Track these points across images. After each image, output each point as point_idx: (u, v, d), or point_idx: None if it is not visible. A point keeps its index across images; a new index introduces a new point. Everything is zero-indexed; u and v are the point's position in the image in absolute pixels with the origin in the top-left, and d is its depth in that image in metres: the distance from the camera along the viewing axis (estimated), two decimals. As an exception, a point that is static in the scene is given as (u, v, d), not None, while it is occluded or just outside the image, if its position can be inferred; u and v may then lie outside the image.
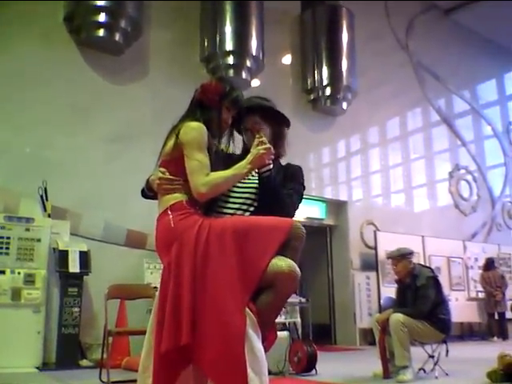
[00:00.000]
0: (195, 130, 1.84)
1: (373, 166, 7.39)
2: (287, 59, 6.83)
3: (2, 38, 4.70)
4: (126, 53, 5.24)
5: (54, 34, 4.94)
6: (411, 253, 3.91)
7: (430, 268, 4.03)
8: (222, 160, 1.96)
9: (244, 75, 5.76)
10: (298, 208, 2.05)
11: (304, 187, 2.15)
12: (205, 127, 1.86)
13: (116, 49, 5.16)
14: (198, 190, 1.80)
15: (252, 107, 2.12)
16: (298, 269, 1.74)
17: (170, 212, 1.83)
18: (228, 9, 5.70)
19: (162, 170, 1.90)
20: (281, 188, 1.98)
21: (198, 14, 5.87)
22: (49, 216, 4.49)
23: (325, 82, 6.62)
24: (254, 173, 2.04)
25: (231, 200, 2.00)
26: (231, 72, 5.70)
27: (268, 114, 2.13)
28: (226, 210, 1.97)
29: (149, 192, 1.98)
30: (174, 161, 1.87)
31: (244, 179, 2.01)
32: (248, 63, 5.75)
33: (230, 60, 5.68)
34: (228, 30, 5.67)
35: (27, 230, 4.26)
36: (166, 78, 5.51)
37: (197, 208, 1.85)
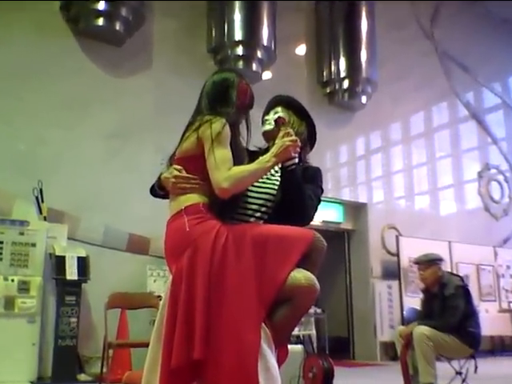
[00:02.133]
0: (218, 123, 1.84)
1: (395, 166, 7.35)
2: (301, 49, 6.81)
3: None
4: (127, 43, 5.26)
5: (50, 24, 4.97)
6: (440, 259, 3.89)
7: (459, 276, 3.99)
8: (247, 157, 1.97)
9: (254, 67, 5.75)
10: (316, 212, 2.06)
11: (322, 190, 2.16)
12: (227, 122, 1.86)
13: (116, 39, 5.19)
14: (219, 186, 1.78)
15: (278, 101, 2.20)
16: (317, 283, 1.74)
17: (185, 214, 1.81)
18: (238, -3, 5.71)
19: (178, 167, 1.90)
20: (304, 185, 1.99)
21: (204, 1, 5.89)
22: (44, 219, 4.52)
23: (342, 74, 6.59)
24: (277, 168, 2.05)
25: (247, 205, 2.00)
26: (240, 63, 5.70)
27: (292, 109, 2.18)
28: (240, 217, 1.97)
29: (160, 190, 1.98)
30: (193, 158, 1.87)
31: (262, 179, 2.03)
32: (259, 54, 5.75)
33: (240, 51, 5.68)
34: (237, 18, 5.67)
35: (21, 233, 4.28)
36: (171, 69, 5.52)
37: (213, 213, 1.82)
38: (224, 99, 1.95)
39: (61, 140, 4.84)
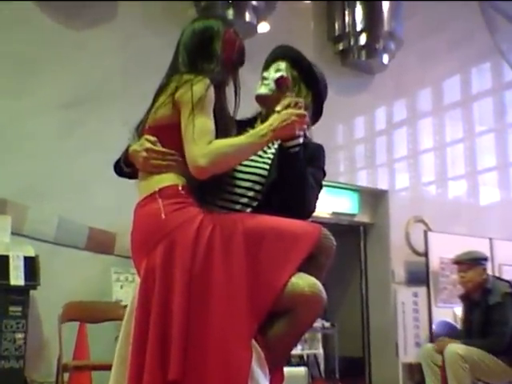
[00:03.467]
0: (199, 85, 1.82)
1: (423, 143, 7.37)
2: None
3: None
4: (86, -14, 5.22)
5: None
6: (485, 258, 3.94)
7: (508, 282, 4.03)
8: (235, 129, 1.97)
9: (248, 17, 5.72)
10: (317, 201, 2.07)
11: (324, 173, 2.16)
12: (211, 83, 1.84)
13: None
14: (195, 163, 1.76)
15: (283, 53, 2.18)
16: (323, 291, 1.74)
17: (159, 198, 1.80)
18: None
19: (151, 138, 1.89)
20: (308, 174, 1.98)
21: None
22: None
23: (359, 27, 6.56)
24: (271, 146, 2.03)
25: (231, 188, 1.99)
26: (230, 12, 5.66)
27: (300, 70, 2.15)
28: (221, 203, 1.96)
29: (126, 167, 1.98)
30: (169, 128, 1.86)
31: (254, 155, 2.01)
32: (253, 1, 5.72)
33: (230, -4, 5.65)
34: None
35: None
36: (141, 20, 5.49)
37: (195, 198, 1.83)
38: (207, 53, 1.94)
39: (2, 111, 4.81)
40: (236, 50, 1.98)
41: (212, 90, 1.84)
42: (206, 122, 1.80)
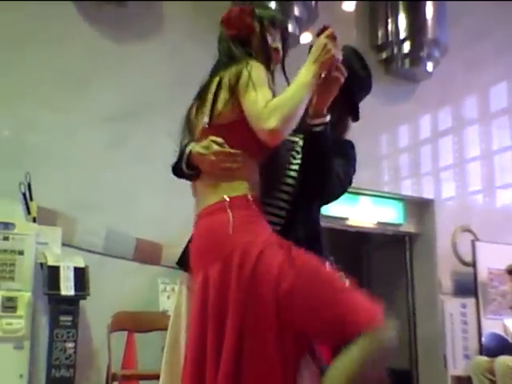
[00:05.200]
0: (254, 67, 1.84)
1: (470, 151, 7.24)
2: (350, 5, 6.76)
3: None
4: (133, 1, 5.30)
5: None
6: (539, 268, 3.83)
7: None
8: None
9: (291, 28, 5.71)
10: (342, 195, 2.06)
11: (354, 170, 2.13)
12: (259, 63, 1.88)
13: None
14: (266, 127, 1.72)
15: None
16: None
17: (229, 209, 1.78)
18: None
19: (219, 139, 1.84)
20: (333, 156, 1.93)
21: None
22: (34, 221, 4.59)
23: (402, 35, 6.51)
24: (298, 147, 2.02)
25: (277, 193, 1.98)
26: (274, 24, 5.69)
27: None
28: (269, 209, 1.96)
29: (189, 170, 1.91)
30: (232, 127, 1.85)
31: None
32: (296, 11, 5.73)
33: (272, 6, 5.66)
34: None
35: (6, 238, 4.36)
36: (188, 33, 5.53)
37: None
38: (235, 41, 2.01)
39: (52, 124, 4.90)
40: (239, 14, 2.01)
41: (264, 69, 1.87)
42: (267, 92, 1.81)
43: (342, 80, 1.88)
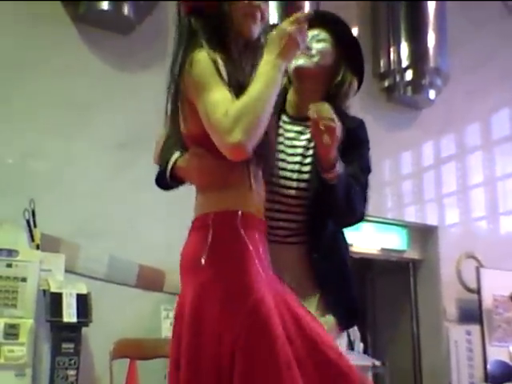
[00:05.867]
0: (195, 63, 1.61)
1: (473, 177, 7.25)
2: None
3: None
4: (137, 30, 5.36)
5: (43, 9, 5.10)
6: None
7: None
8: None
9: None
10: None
11: (370, 170, 2.04)
12: (210, 52, 1.62)
13: (124, 25, 5.30)
14: (225, 141, 1.48)
15: (322, 19, 2.06)
16: None
17: (211, 227, 1.60)
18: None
19: (199, 151, 1.69)
20: (351, 188, 1.85)
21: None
22: (37, 247, 4.59)
23: (404, 64, 6.56)
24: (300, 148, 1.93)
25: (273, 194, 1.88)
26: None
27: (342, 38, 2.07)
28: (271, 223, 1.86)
29: (172, 182, 1.85)
30: (204, 135, 1.61)
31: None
32: (298, 40, 5.78)
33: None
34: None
35: (9, 265, 4.36)
36: (190, 62, 5.59)
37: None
38: (193, 26, 1.77)
39: (57, 151, 4.93)
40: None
41: (206, 56, 1.61)
42: (214, 95, 1.53)
43: (336, 127, 1.71)
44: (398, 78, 6.61)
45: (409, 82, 6.61)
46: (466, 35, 7.11)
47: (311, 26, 1.98)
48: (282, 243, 1.97)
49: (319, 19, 2.12)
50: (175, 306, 1.71)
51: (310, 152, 1.98)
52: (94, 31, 5.22)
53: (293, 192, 1.96)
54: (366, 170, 2.04)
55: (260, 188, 1.73)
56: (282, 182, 1.96)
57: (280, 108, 2.05)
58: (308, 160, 1.98)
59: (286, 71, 1.88)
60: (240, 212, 1.62)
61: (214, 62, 1.60)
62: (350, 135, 1.88)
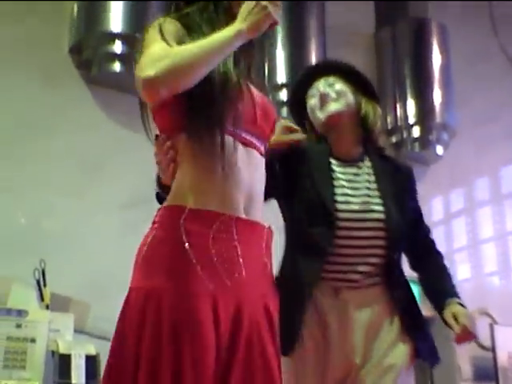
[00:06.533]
0: (150, 28, 1.55)
1: (484, 232, 7.20)
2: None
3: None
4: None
5: (56, 70, 5.20)
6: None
7: None
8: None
9: (302, 115, 5.84)
10: None
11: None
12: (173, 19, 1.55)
13: (135, 86, 5.37)
14: (138, 77, 1.43)
15: (329, 66, 2.18)
16: None
17: (155, 223, 1.59)
18: (279, 30, 5.88)
19: (168, 142, 1.62)
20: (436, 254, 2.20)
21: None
22: (47, 307, 4.56)
23: (411, 120, 6.62)
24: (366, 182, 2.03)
25: (345, 248, 1.97)
26: (285, 110, 5.80)
27: (349, 74, 2.18)
28: (332, 275, 1.97)
29: (164, 193, 1.80)
30: (156, 110, 1.60)
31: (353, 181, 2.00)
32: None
33: (284, 95, 5.79)
34: (280, 56, 5.83)
35: (18, 326, 4.31)
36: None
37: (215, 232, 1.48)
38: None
39: (68, 210, 4.95)
40: None
41: (167, 23, 1.54)
42: (150, 48, 1.47)
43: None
44: (405, 134, 6.66)
45: (416, 138, 6.65)
46: (472, 91, 7.18)
47: (319, 76, 2.14)
48: (356, 288, 2.01)
49: (321, 68, 2.25)
50: None
51: (376, 193, 2.05)
52: (106, 92, 5.31)
53: (368, 233, 1.99)
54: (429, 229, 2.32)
55: (242, 178, 1.56)
56: (355, 224, 1.99)
57: (327, 154, 2.11)
58: (377, 200, 2.05)
59: (313, 127, 2.00)
60: (188, 208, 1.50)
61: (160, 26, 1.54)
62: (408, 181, 2.11)
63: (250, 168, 1.57)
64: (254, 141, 1.59)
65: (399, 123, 6.65)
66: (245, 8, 1.45)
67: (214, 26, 1.50)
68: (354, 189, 2.06)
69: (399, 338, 2.07)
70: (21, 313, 4.45)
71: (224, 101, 1.46)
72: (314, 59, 5.90)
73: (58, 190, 4.98)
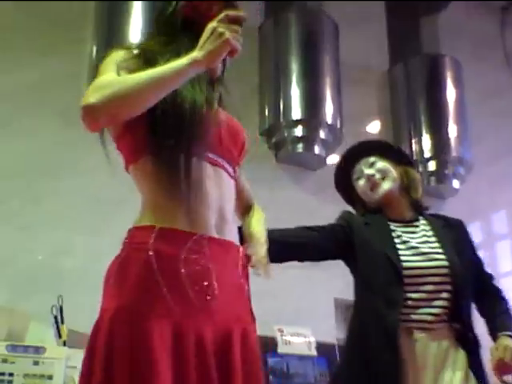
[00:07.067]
0: (105, 57, 1.51)
1: (503, 266, 7.10)
2: (374, 127, 6.93)
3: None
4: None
5: (73, 110, 5.27)
6: None
7: None
8: None
9: (317, 150, 5.86)
10: None
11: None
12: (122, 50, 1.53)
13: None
14: (82, 103, 1.34)
15: (367, 147, 2.34)
16: None
17: (124, 244, 1.53)
18: (294, 68, 5.95)
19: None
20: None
21: (256, 77, 6.16)
22: (64, 344, 4.54)
23: (427, 155, 6.61)
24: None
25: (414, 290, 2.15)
26: (300, 146, 5.84)
27: (384, 151, 2.35)
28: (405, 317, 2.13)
29: None
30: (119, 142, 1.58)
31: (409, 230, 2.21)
32: (322, 135, 5.88)
33: (299, 131, 5.83)
34: (295, 93, 5.88)
35: (36, 363, 4.29)
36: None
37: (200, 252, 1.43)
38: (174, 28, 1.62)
39: (84, 248, 4.99)
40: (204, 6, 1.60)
41: (116, 52, 1.51)
42: (104, 75, 1.43)
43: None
44: (421, 169, 6.63)
45: (432, 173, 6.63)
46: (488, 125, 7.16)
47: (358, 158, 2.37)
48: (428, 329, 2.14)
49: (359, 151, 2.42)
50: None
51: (436, 244, 2.25)
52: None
53: (434, 279, 2.15)
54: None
55: (210, 196, 1.51)
56: (420, 271, 2.17)
57: (385, 219, 2.35)
58: (438, 250, 2.22)
59: (364, 202, 2.29)
60: (157, 227, 1.44)
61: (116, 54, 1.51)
62: (463, 232, 2.35)
63: (219, 187, 1.53)
64: (221, 161, 1.56)
65: (415, 157, 6.63)
66: (204, 35, 1.39)
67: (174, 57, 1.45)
68: (415, 244, 2.25)
69: (465, 376, 2.17)
70: (38, 350, 4.42)
71: (190, 126, 1.44)
72: (328, 96, 5.94)
73: (75, 227, 5.00)
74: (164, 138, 1.42)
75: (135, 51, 1.53)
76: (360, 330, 2.18)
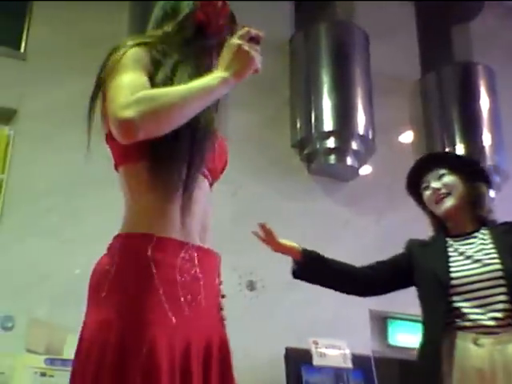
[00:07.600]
0: (123, 52, 1.47)
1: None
2: (407, 137, 6.87)
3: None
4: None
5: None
6: None
7: None
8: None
9: (350, 161, 5.83)
10: None
11: None
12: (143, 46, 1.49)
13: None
14: (116, 115, 1.31)
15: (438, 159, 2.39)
16: None
17: (111, 251, 1.50)
18: (325, 80, 5.95)
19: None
20: None
21: (287, 89, 6.17)
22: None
23: (461, 163, 6.53)
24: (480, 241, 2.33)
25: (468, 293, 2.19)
26: (332, 158, 5.81)
27: (457, 165, 2.37)
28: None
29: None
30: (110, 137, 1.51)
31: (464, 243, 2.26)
32: (354, 145, 5.85)
33: (331, 143, 5.81)
34: (326, 105, 5.87)
35: (74, 375, 4.32)
36: (250, 170, 5.65)
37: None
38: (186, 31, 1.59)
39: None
40: (219, 12, 1.60)
41: (136, 50, 1.47)
42: (126, 77, 1.39)
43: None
44: (456, 178, 6.55)
45: (467, 182, 6.53)
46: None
47: (432, 167, 2.44)
48: (491, 334, 2.14)
49: (429, 161, 2.48)
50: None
51: (492, 250, 2.26)
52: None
53: (486, 284, 2.17)
54: None
55: (198, 207, 1.53)
56: (471, 279, 2.20)
57: (444, 236, 2.41)
58: (492, 255, 2.24)
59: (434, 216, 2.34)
60: (156, 236, 1.42)
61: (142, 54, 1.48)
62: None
63: (204, 199, 1.57)
64: (208, 174, 1.60)
65: (449, 167, 6.55)
66: (226, 54, 1.40)
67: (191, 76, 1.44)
68: (471, 253, 2.28)
69: None
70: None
71: (203, 141, 1.46)
72: (360, 106, 5.92)
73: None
74: (171, 150, 1.42)
75: (154, 53, 1.50)
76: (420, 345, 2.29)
